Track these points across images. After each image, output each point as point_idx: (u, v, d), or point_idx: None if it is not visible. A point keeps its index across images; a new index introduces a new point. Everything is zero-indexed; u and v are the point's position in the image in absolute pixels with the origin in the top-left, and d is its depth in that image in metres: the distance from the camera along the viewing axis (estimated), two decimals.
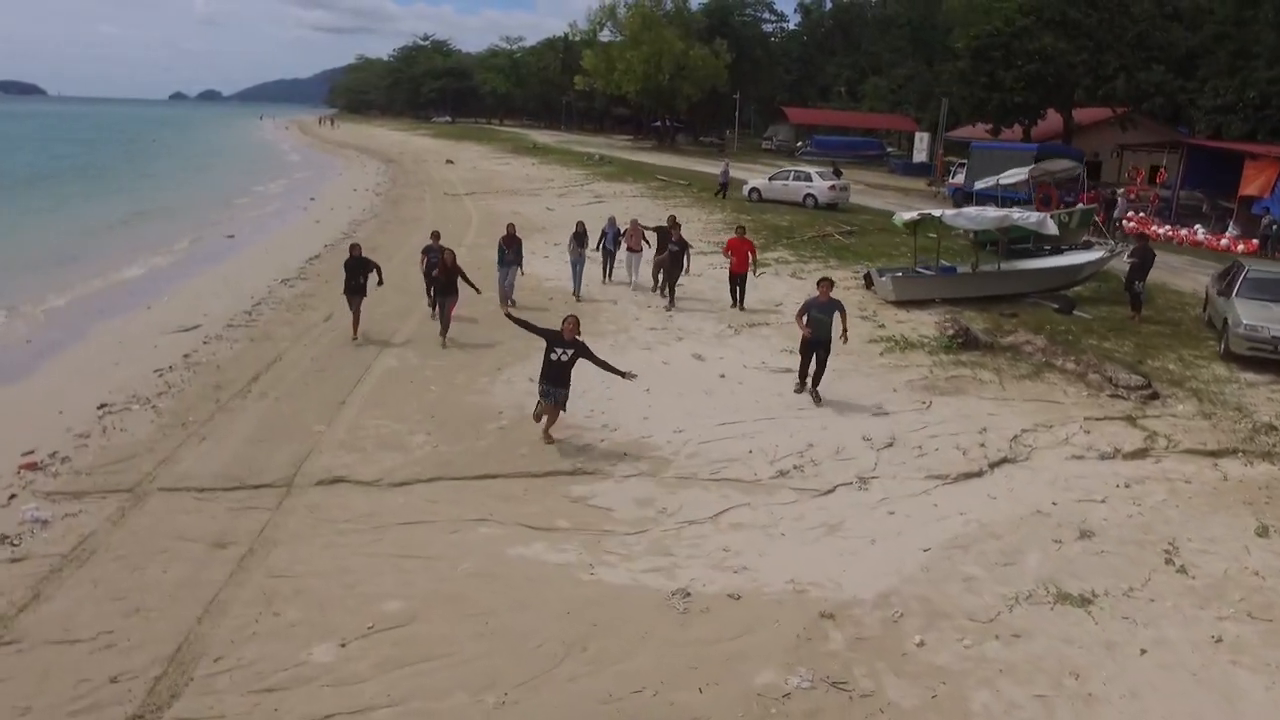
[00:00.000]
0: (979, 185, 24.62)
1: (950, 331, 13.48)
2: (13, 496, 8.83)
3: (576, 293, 17.08)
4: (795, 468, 9.29)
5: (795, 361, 12.10)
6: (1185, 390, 12.06)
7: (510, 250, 16.43)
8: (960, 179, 35.18)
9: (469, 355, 13.31)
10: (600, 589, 7.00)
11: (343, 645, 6.24)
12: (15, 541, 7.92)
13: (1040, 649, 6.28)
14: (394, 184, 42.55)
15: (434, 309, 15.13)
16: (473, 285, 14.15)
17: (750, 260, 16.11)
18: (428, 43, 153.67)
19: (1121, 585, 7.08)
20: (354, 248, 14.75)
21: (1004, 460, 9.53)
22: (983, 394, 11.60)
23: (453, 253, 14.51)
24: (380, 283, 14.56)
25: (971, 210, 15.99)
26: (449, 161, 54.86)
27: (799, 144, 71.22)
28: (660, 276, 16.90)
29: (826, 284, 11.50)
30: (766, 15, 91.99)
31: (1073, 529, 7.98)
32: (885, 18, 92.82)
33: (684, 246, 16.71)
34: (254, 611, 6.67)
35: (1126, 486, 9.01)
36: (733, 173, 35.70)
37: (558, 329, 9.87)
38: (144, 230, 29.27)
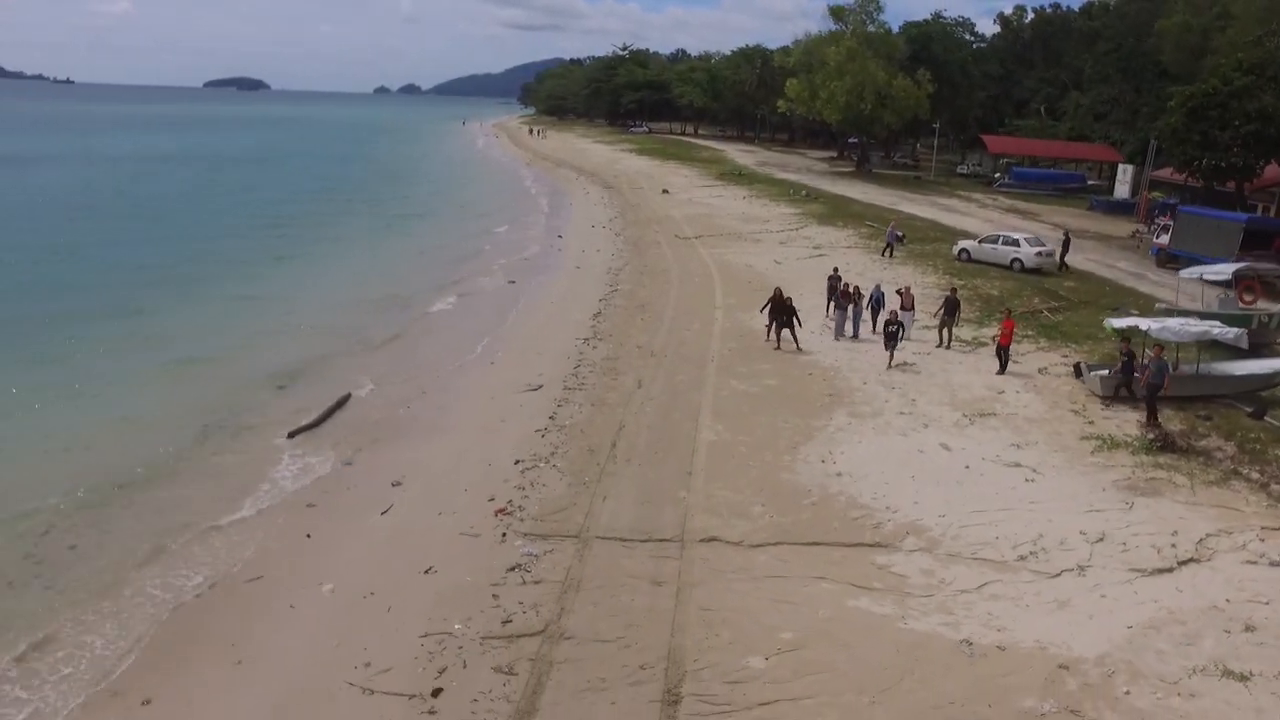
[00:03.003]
0: (1184, 273, 26.70)
1: (1150, 436, 16.63)
2: (504, 535, 13.73)
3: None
4: (1031, 553, 12.97)
5: (1023, 456, 15.80)
6: None
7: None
8: (1165, 240, 36.69)
9: (768, 432, 17.52)
10: (912, 635, 11.03)
11: (766, 658, 10.57)
12: (527, 569, 12.74)
13: (1209, 706, 9.82)
14: (624, 221, 47.61)
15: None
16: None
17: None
18: (627, 53, 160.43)
19: (1275, 669, 10.45)
20: (777, 290, 23.15)
21: (1190, 560, 12.87)
22: (1176, 497, 14.79)
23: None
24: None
25: (1175, 323, 18.76)
26: (664, 191, 59.72)
27: (996, 175, 72.15)
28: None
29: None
30: (968, 37, 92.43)
31: (1240, 622, 11.34)
32: (1091, 30, 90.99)
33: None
34: (702, 632, 11.10)
35: None
36: (938, 214, 38.51)
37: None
38: (433, 268, 35.48)
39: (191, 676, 10.72)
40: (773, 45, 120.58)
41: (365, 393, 20.71)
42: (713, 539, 13.35)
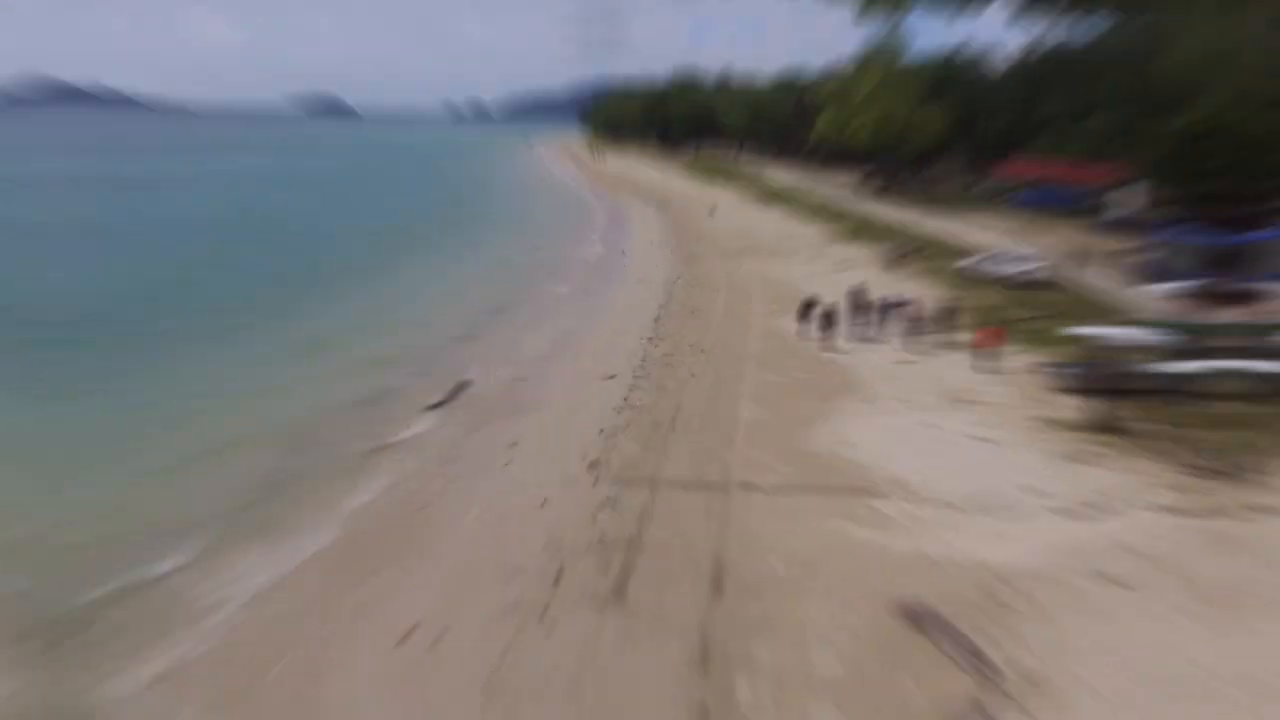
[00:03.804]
0: (1154, 289, 29.29)
1: (1093, 419, 19.60)
2: (596, 481, 17.21)
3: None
4: (983, 501, 16.10)
5: (989, 433, 18.90)
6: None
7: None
8: (1145, 258, 38.96)
9: (793, 412, 20.80)
10: (889, 552, 14.27)
11: (785, 564, 13.88)
12: (613, 505, 16.19)
13: (1099, 603, 12.91)
14: (677, 239, 51.05)
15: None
16: None
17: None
18: (679, 78, 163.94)
19: (1155, 583, 13.45)
20: (810, 297, 26.89)
21: (1103, 508, 15.89)
22: (1103, 465, 17.74)
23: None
24: None
25: (1120, 332, 21.59)
26: (711, 212, 62.99)
27: (1009, 195, 74.03)
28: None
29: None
30: (987, 71, 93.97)
31: (1133, 551, 14.37)
32: (1102, 61, 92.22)
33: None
34: (739, 547, 14.45)
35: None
36: (948, 232, 41.13)
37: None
38: (521, 278, 39.21)
39: (387, 563, 14.41)
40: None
41: (479, 379, 24.42)
42: (748, 485, 16.72)
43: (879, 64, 76.81)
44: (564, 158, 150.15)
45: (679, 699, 10.83)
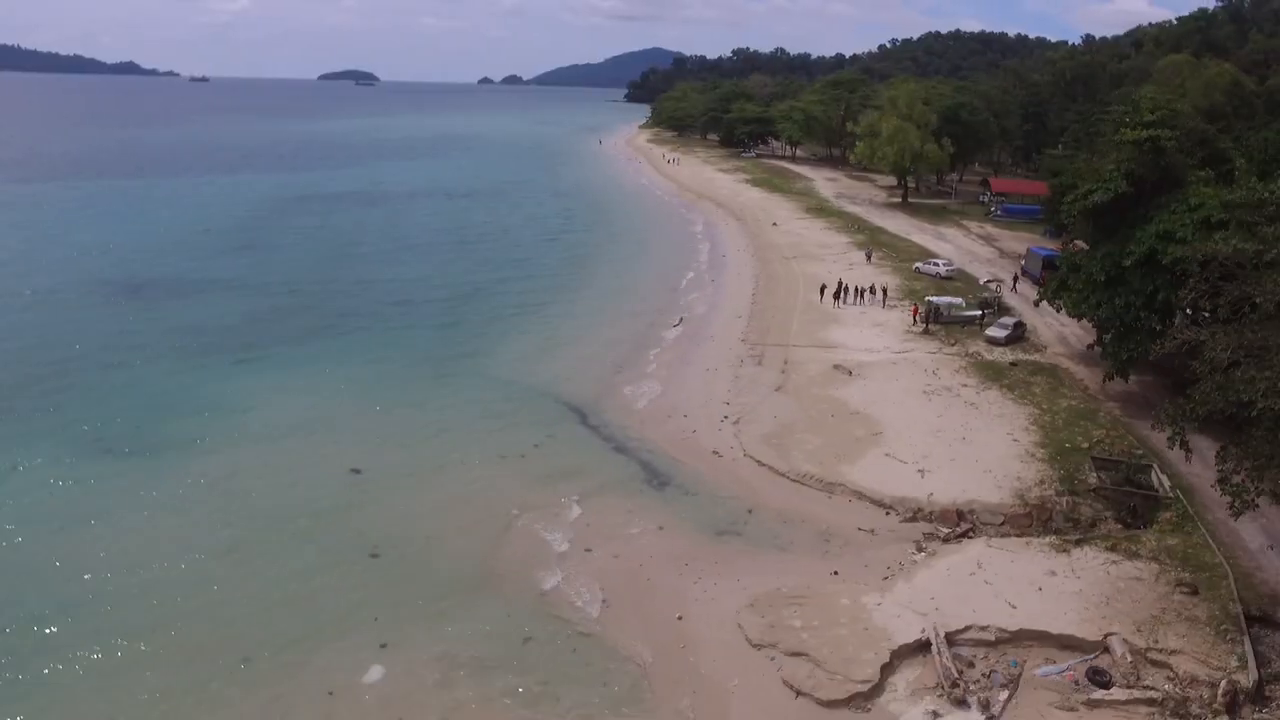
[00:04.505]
0: (1020, 277, 68.45)
1: (922, 330, 58.87)
2: (742, 355, 56.76)
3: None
4: (870, 347, 55.42)
5: (884, 340, 58.51)
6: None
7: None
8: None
9: (815, 328, 60.35)
10: (843, 349, 53.80)
11: (813, 441, 53.53)
12: (754, 361, 55.81)
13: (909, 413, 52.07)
14: (754, 246, 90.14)
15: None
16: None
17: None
18: (737, 87, 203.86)
19: (956, 412, 52.47)
20: (839, 280, 62.97)
21: (906, 351, 54.92)
22: (928, 349, 56.80)
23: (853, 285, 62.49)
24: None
25: (944, 300, 60.52)
26: (774, 224, 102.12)
27: (992, 209, 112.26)
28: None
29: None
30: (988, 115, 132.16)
31: (910, 363, 53.45)
32: (1118, 73, 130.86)
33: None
34: (799, 409, 54.08)
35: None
36: (928, 241, 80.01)
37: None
38: (668, 273, 79.01)
39: (663, 365, 54.19)
40: (871, 39, 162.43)
41: (686, 316, 64.09)
42: (797, 334, 56.17)
43: (897, 110, 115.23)
44: (640, 160, 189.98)
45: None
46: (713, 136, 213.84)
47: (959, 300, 61.93)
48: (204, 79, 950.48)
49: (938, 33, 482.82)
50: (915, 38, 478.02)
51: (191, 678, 25.05)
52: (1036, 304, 57.78)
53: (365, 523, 33.64)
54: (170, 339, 55.51)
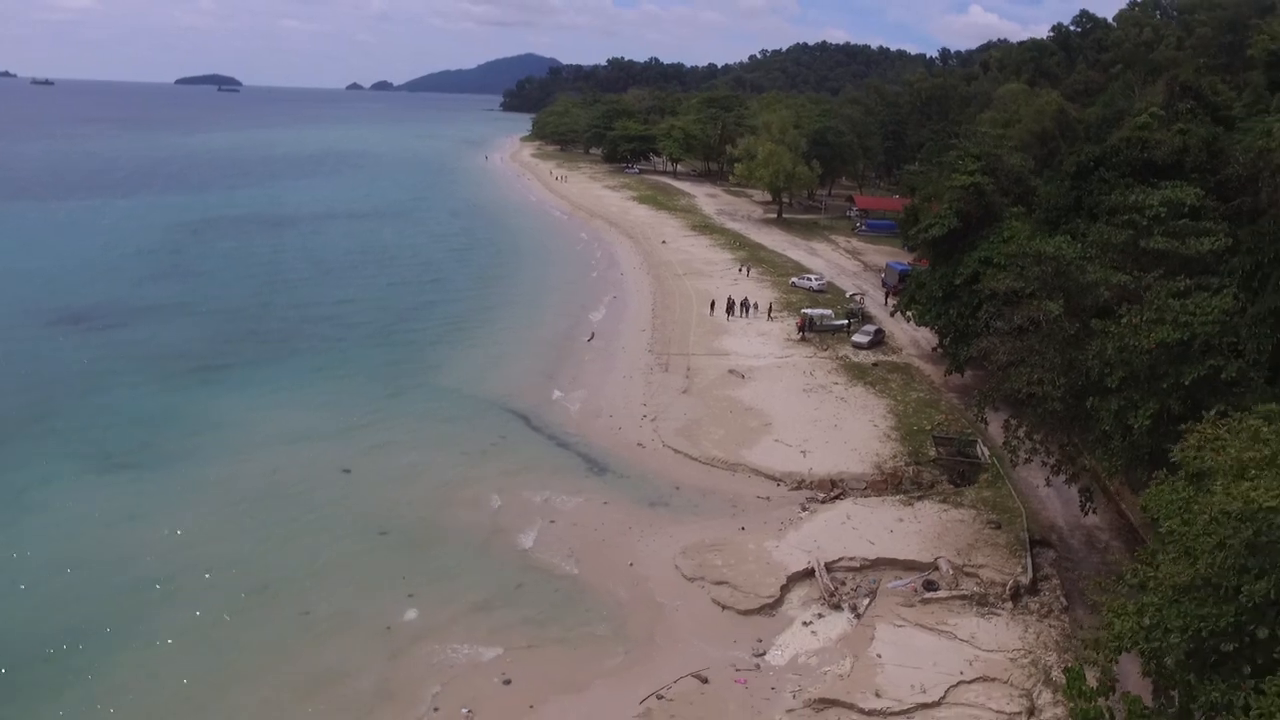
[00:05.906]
0: (881, 289, 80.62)
1: (798, 338, 70.25)
2: (650, 363, 66.89)
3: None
4: (754, 353, 66.33)
5: (771, 348, 69.59)
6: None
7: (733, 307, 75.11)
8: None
9: (708, 337, 71.05)
10: (730, 358, 64.56)
11: (722, 431, 64.06)
12: (660, 370, 65.97)
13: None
14: (647, 264, 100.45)
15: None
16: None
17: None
18: (618, 104, 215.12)
19: (832, 399, 63.52)
20: (729, 298, 73.63)
21: (785, 356, 66.12)
22: (805, 353, 68.08)
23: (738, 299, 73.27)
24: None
25: (817, 312, 72.03)
26: (663, 241, 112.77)
27: (858, 224, 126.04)
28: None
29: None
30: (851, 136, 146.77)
31: (789, 366, 64.58)
32: (967, 96, 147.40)
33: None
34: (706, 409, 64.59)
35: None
36: (802, 256, 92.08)
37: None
38: (575, 291, 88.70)
39: (585, 374, 63.96)
40: (740, 50, 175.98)
41: (586, 340, 73.81)
42: (695, 342, 66.65)
43: (771, 135, 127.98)
44: (524, 172, 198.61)
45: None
46: (595, 151, 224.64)
47: (829, 311, 73.73)
48: (48, 81, 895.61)
49: (805, 44, 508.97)
50: (784, 49, 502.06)
51: (269, 632, 33.23)
52: (892, 314, 69.92)
53: (368, 510, 42.07)
54: (133, 364, 61.54)
